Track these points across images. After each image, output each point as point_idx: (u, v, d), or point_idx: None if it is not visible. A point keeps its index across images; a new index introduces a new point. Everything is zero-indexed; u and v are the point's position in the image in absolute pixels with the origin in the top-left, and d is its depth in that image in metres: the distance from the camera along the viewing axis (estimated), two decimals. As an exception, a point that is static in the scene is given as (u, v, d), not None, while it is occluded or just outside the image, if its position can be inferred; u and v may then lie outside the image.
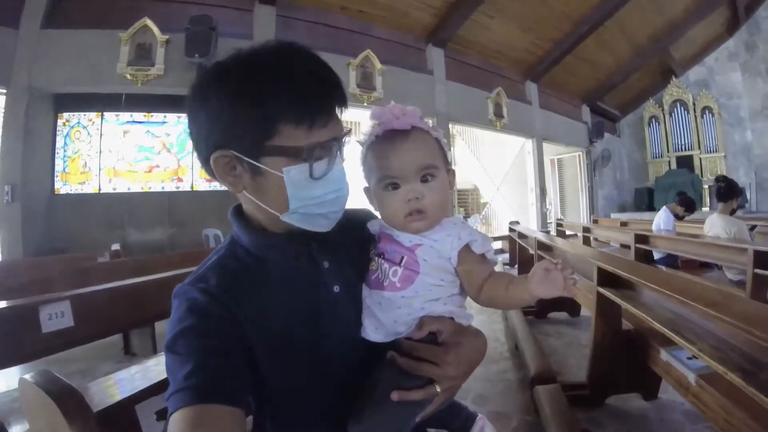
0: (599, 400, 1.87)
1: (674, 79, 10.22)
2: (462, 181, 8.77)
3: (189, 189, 4.84)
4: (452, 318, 0.59)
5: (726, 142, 9.93)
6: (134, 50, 4.31)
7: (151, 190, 4.72)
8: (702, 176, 9.79)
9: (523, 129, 7.86)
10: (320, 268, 0.58)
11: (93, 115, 4.60)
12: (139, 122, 4.73)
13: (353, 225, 0.64)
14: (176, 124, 4.76)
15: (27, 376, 0.72)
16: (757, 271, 2.23)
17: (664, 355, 1.51)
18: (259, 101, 0.49)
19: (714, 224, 3.03)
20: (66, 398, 0.67)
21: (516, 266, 5.12)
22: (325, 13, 5.37)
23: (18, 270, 3.05)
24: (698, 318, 1.31)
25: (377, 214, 0.64)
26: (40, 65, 4.11)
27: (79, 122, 4.58)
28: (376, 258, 0.61)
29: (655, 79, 10.34)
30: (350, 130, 0.57)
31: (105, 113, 4.62)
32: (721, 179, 3.09)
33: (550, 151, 9.18)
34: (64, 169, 4.51)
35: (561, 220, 8.04)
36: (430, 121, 5.17)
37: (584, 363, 1.99)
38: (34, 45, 4.10)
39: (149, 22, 4.32)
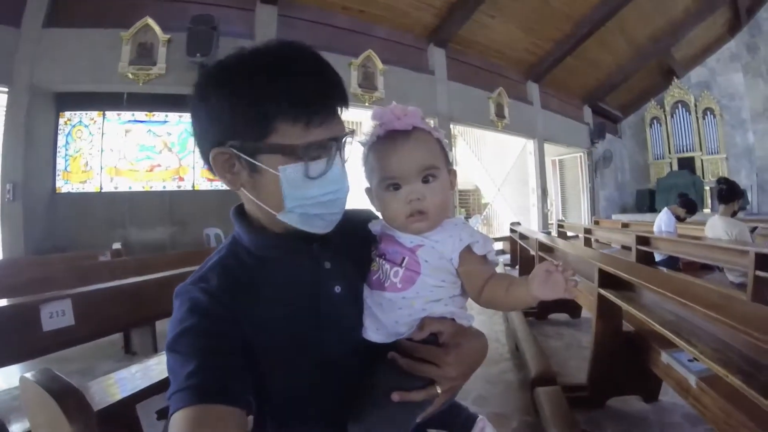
0: (599, 401, 1.86)
1: (676, 80, 10.20)
2: (463, 182, 8.77)
3: (190, 188, 4.83)
4: (453, 319, 0.59)
5: (727, 143, 9.91)
6: (136, 49, 4.32)
7: (153, 189, 4.72)
8: (703, 178, 9.76)
9: (524, 129, 7.84)
10: (321, 269, 0.58)
11: (94, 114, 4.60)
12: (141, 121, 4.72)
13: (355, 225, 0.64)
14: (177, 124, 4.76)
15: (28, 375, 0.72)
16: (759, 273, 2.22)
17: (664, 357, 1.51)
18: (257, 99, 0.49)
19: (715, 226, 3.02)
20: (67, 397, 0.68)
21: (517, 267, 5.11)
22: (327, 12, 5.37)
23: (19, 268, 3.06)
24: (699, 320, 1.30)
25: (379, 214, 0.64)
26: (41, 64, 4.12)
27: (80, 121, 4.58)
28: (378, 258, 0.61)
29: (656, 80, 10.31)
30: (352, 130, 0.56)
31: (106, 112, 4.61)
32: (723, 181, 3.08)
33: (552, 151, 9.16)
34: (65, 168, 4.51)
35: (562, 221, 8.04)
36: (432, 122, 5.12)
37: (585, 364, 1.99)
38: (36, 44, 4.11)
39: (151, 22, 4.32)
